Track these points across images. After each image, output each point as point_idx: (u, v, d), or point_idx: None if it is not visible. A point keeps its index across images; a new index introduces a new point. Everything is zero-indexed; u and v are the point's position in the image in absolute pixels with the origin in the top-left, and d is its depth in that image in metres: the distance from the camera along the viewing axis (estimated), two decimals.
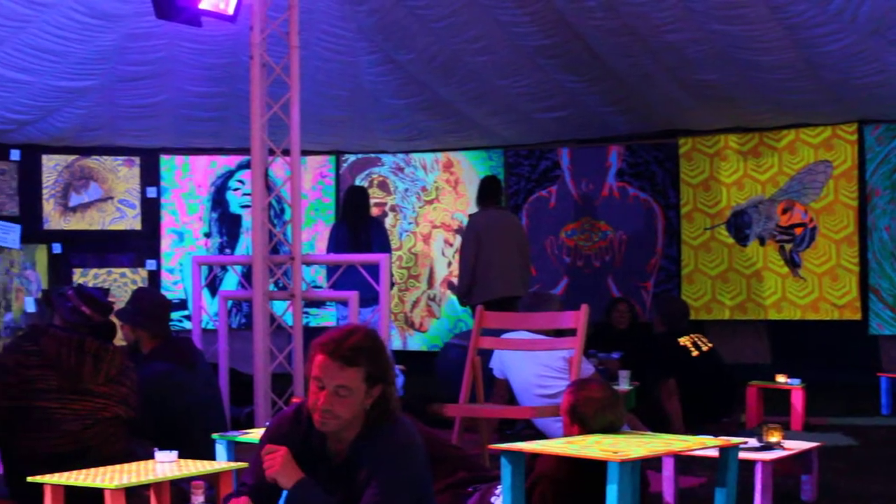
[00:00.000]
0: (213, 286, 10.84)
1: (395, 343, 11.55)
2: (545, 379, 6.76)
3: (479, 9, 8.91)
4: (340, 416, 3.62)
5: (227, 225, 11.71)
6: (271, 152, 7.24)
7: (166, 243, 11.50)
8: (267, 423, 4.12)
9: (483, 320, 6.76)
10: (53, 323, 5.05)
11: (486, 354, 6.99)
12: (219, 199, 11.71)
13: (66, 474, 4.30)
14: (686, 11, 8.47)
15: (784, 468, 5.63)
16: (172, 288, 11.23)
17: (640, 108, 10.51)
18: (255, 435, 5.38)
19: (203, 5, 6.65)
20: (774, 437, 5.55)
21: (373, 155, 12.04)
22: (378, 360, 3.66)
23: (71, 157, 11.21)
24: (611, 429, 4.69)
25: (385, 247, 9.59)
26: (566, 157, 11.38)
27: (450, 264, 11.65)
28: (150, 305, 6.06)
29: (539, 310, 7.07)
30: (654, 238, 11.03)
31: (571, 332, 6.49)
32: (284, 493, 3.62)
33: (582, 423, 4.68)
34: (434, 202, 11.87)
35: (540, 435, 6.66)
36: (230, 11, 6.83)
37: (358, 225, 9.69)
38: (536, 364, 6.81)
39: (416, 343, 11.84)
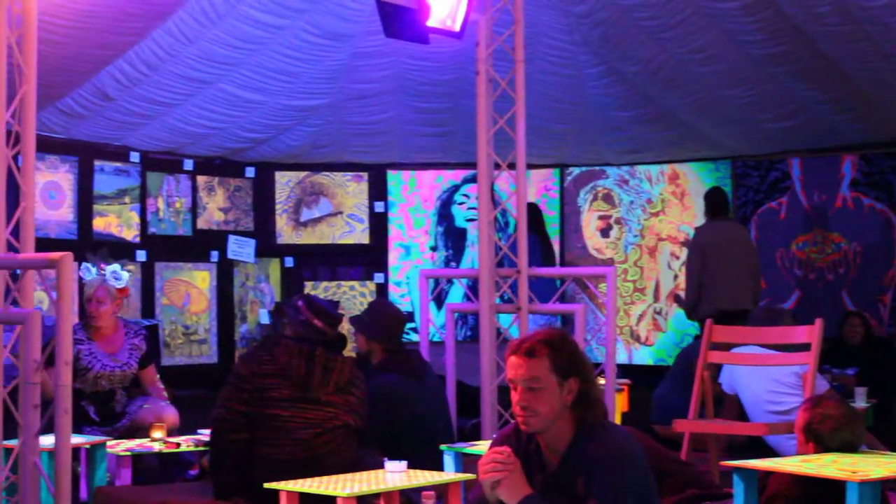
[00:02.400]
0: (440, 299, 10.98)
1: (621, 357, 11.45)
2: (777, 395, 6.59)
3: (705, 18, 8.76)
4: (538, 412, 3.63)
5: (452, 238, 11.85)
6: (497, 166, 7.29)
7: (393, 257, 11.72)
8: (493, 436, 4.15)
9: (712, 334, 6.63)
10: (286, 334, 5.19)
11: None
12: (444, 213, 11.86)
13: (299, 481, 4.43)
14: None
15: None
16: (399, 301, 11.43)
17: (874, 115, 10.13)
18: (481, 447, 5.42)
19: (430, 23, 6.74)
20: None
21: (597, 167, 11.98)
22: (563, 350, 3.68)
23: (302, 174, 11.56)
24: (849, 448, 4.53)
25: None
26: (797, 168, 11.07)
27: (676, 277, 11.48)
28: (387, 319, 6.17)
29: (770, 324, 6.90)
30: (891, 250, 10.60)
31: (803, 348, 6.31)
32: None
33: (817, 441, 4.54)
34: (660, 214, 11.72)
35: (773, 453, 6.48)
36: (457, 28, 6.90)
37: (546, 239, 9.94)
38: (767, 379, 6.64)
39: (642, 357, 11.71)
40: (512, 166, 7.23)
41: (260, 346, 5.19)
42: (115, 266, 7.09)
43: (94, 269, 6.96)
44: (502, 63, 7.31)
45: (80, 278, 6.89)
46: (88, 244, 9.81)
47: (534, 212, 10.38)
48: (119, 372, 6.87)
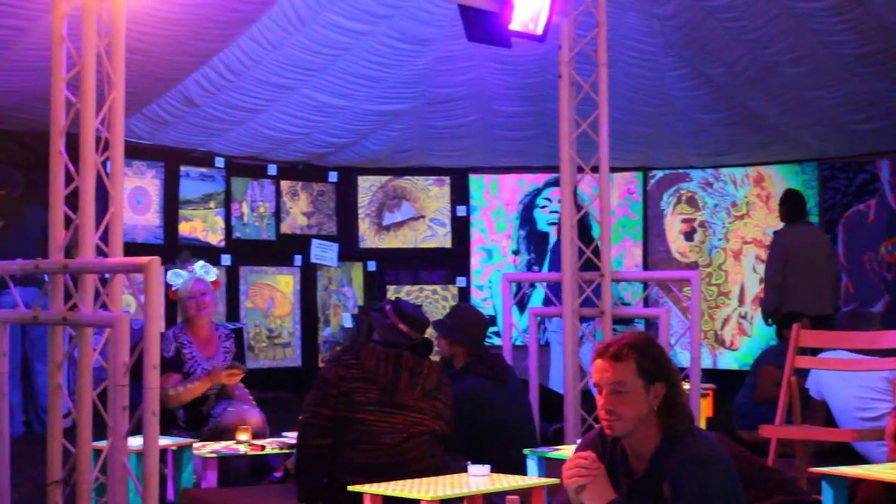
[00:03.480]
0: (522, 303, 10.96)
1: (706, 361, 11.33)
2: (866, 401, 6.48)
3: (792, 19, 8.65)
4: (623, 416, 3.60)
5: (534, 242, 11.83)
6: (580, 170, 7.25)
7: (475, 260, 11.72)
8: (577, 441, 4.12)
9: (799, 339, 6.53)
10: (372, 338, 5.20)
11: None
12: (527, 217, 11.85)
13: (383, 485, 4.44)
14: None
15: None
16: (482, 304, 11.43)
17: None
18: (565, 451, 5.39)
19: (513, 27, 6.73)
20: None
21: (681, 170, 11.88)
22: (650, 354, 3.65)
23: (385, 178, 11.61)
24: None
25: None
26: (886, 170, 10.87)
27: (761, 281, 11.34)
28: (469, 323, 6.16)
29: (859, 328, 6.80)
30: None
31: (893, 352, 6.19)
32: None
33: None
34: (744, 217, 11.59)
35: (862, 459, 6.37)
36: (539, 31, 6.88)
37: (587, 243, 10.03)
38: (856, 385, 6.54)
39: (727, 361, 11.58)
40: (595, 169, 7.19)
41: (346, 349, 5.20)
42: (201, 262, 7.18)
43: (183, 273, 7.03)
44: (585, 66, 7.27)
45: (169, 285, 6.96)
46: (174, 248, 9.95)
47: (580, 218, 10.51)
48: None
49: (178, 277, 7.00)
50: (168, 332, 6.92)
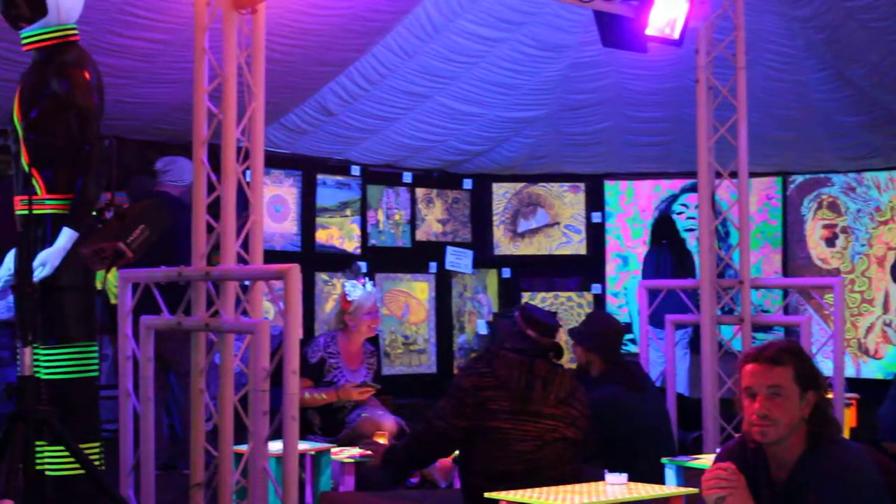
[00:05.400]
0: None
1: (849, 370, 11.06)
2: None
3: None
4: (778, 421, 3.52)
5: None
6: (718, 175, 7.15)
7: (611, 267, 11.64)
8: (716, 450, 4.06)
9: None
10: (503, 346, 5.19)
11: None
12: None
13: (519, 492, 4.43)
14: None
15: None
16: (617, 312, 11.34)
17: None
18: (704, 460, 5.32)
19: (649, 31, 6.67)
20: None
21: (822, 175, 11.63)
22: (805, 361, 3.59)
23: (519, 185, 11.61)
24: None
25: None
26: None
27: None
28: (604, 330, 6.12)
29: None
30: None
31: None
32: None
33: None
34: (889, 223, 11.29)
35: None
36: (676, 36, 6.81)
37: (682, 250, 10.09)
38: None
39: (871, 371, 11.29)
40: (733, 175, 7.08)
41: (479, 358, 5.19)
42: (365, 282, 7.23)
43: (359, 286, 7.07)
44: (722, 70, 7.17)
45: (345, 294, 7.03)
46: (311, 256, 10.10)
47: (666, 224, 10.59)
48: None
49: (356, 289, 7.03)
50: (319, 339, 7.02)
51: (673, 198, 11.72)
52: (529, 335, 5.02)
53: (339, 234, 10.59)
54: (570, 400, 5.03)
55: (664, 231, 10.64)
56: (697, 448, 7.08)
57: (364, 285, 7.09)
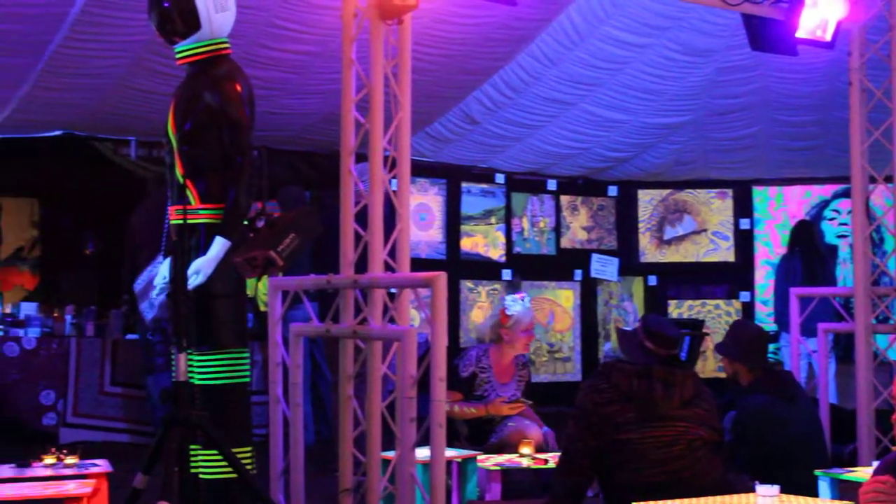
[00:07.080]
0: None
1: None
2: None
3: None
4: None
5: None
6: (872, 180, 6.97)
7: (760, 275, 11.42)
8: (873, 463, 3.95)
9: None
10: (620, 359, 5.13)
11: None
12: None
13: (662, 503, 4.36)
14: None
15: None
16: (766, 320, 11.12)
17: None
18: (859, 473, 5.17)
19: (800, 34, 6.54)
20: None
21: None
22: None
23: (665, 191, 11.48)
24: None
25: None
26: None
27: None
28: (747, 338, 6.02)
29: None
30: None
31: None
32: None
33: None
34: None
35: None
36: (828, 38, 6.66)
37: (813, 258, 9.73)
38: None
39: None
40: (888, 179, 6.90)
41: (598, 374, 5.13)
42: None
43: (519, 300, 7.06)
44: (877, 72, 6.98)
45: (505, 308, 7.04)
46: (457, 264, 10.14)
47: (803, 230, 10.26)
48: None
49: (516, 304, 7.02)
50: (471, 352, 7.00)
51: (824, 203, 11.45)
52: (647, 347, 4.96)
53: (483, 241, 10.62)
54: (696, 400, 4.93)
55: (799, 238, 10.33)
56: (853, 461, 6.90)
57: (524, 300, 7.07)
